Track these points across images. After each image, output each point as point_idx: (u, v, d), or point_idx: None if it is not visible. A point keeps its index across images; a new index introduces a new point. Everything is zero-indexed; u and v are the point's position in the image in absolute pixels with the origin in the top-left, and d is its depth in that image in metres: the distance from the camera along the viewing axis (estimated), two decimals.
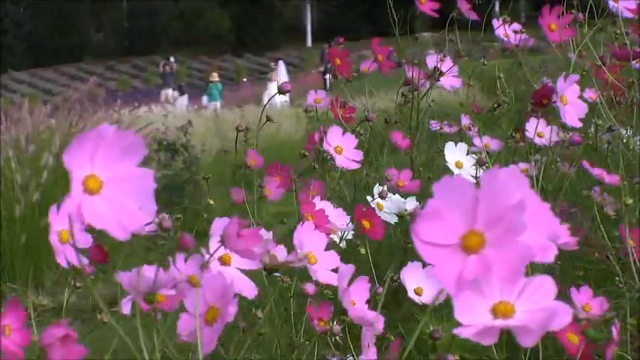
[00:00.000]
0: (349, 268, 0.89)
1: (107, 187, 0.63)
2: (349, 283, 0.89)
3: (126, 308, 0.87)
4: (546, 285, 0.61)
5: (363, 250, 1.38)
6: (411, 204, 1.58)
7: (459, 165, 1.63)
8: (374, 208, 1.47)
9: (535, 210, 0.59)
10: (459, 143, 1.66)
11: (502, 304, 0.59)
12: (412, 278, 1.12)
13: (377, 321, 0.87)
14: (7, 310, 0.83)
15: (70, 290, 1.06)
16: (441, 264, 0.56)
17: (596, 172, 1.39)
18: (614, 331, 0.88)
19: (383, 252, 1.61)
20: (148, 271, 0.78)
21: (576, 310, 1.04)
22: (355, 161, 1.46)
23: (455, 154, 1.64)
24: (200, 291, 0.79)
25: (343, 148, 1.45)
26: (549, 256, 0.60)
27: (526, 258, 0.56)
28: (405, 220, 1.59)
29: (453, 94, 2.53)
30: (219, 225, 0.87)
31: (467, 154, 1.65)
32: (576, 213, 1.51)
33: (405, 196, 1.60)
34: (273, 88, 14.36)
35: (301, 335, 1.19)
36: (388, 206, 1.56)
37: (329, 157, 1.46)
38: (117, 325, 0.85)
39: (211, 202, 1.49)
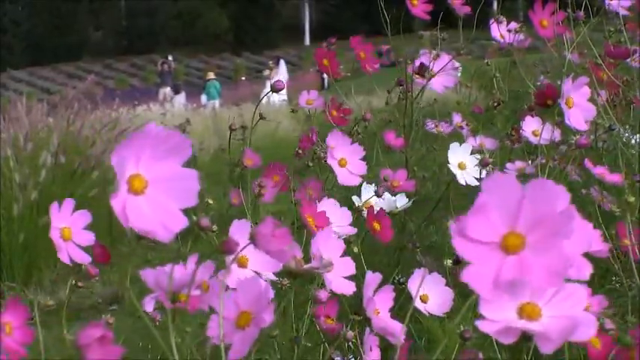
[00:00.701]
0: (375, 277, 0.88)
1: (151, 187, 0.63)
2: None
3: (149, 306, 0.86)
4: (579, 294, 0.61)
5: (355, 249, 1.36)
6: (401, 201, 1.57)
7: (462, 166, 1.60)
8: (372, 208, 1.45)
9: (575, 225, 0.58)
10: (464, 143, 1.62)
11: (530, 305, 0.59)
12: (418, 285, 1.10)
13: (399, 331, 0.87)
14: (8, 308, 0.83)
15: (71, 289, 1.06)
16: (478, 262, 0.56)
17: (598, 171, 1.38)
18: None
19: (380, 252, 1.60)
20: (176, 271, 0.78)
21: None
22: (357, 175, 1.39)
23: (458, 154, 1.60)
24: (232, 295, 0.78)
25: (348, 161, 1.38)
26: (585, 274, 0.60)
27: (566, 265, 0.55)
28: (400, 220, 1.58)
29: (455, 93, 2.53)
30: (237, 228, 0.87)
31: (470, 154, 1.61)
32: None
33: (395, 195, 1.58)
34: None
35: (302, 333, 1.19)
36: (379, 205, 1.54)
37: (328, 167, 1.39)
38: (118, 324, 0.85)
39: (210, 201, 1.48)
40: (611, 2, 1.67)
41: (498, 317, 0.58)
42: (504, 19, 1.78)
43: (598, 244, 0.98)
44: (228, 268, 0.79)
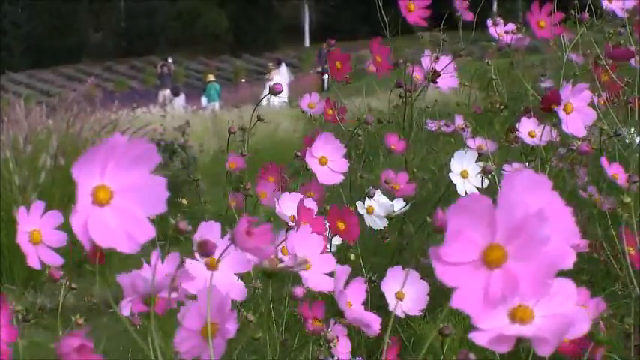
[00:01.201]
0: (345, 270, 0.89)
1: (118, 198, 0.62)
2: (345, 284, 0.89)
3: (125, 310, 0.86)
4: (567, 289, 0.60)
5: (353, 256, 1.34)
6: (398, 205, 1.56)
7: (464, 175, 1.56)
8: (353, 210, 1.42)
9: (556, 213, 0.57)
10: (469, 151, 1.59)
11: (521, 307, 0.58)
12: (394, 283, 1.07)
13: (373, 322, 0.87)
14: None
15: (65, 291, 1.06)
16: (463, 283, 0.55)
17: (612, 171, 1.35)
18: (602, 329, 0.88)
19: (379, 254, 1.60)
20: (148, 273, 0.78)
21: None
22: (339, 173, 1.34)
23: (462, 163, 1.57)
24: (195, 305, 0.77)
25: (329, 159, 1.33)
26: (568, 263, 0.58)
27: (552, 269, 0.54)
28: (399, 222, 1.58)
29: (455, 94, 2.53)
30: (204, 229, 0.87)
31: (475, 162, 1.57)
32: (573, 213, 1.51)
33: (393, 198, 1.57)
34: None
35: (281, 333, 1.19)
36: (377, 210, 1.52)
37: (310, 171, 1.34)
38: (112, 326, 0.86)
39: (184, 202, 1.48)
40: (609, 4, 1.67)
41: (491, 325, 0.56)
42: (501, 20, 1.78)
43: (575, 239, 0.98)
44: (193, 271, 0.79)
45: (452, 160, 1.58)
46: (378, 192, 1.54)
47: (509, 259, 0.55)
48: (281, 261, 0.85)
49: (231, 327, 0.75)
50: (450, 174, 1.57)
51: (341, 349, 0.95)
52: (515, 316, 0.58)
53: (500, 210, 0.54)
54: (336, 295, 0.87)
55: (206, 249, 0.72)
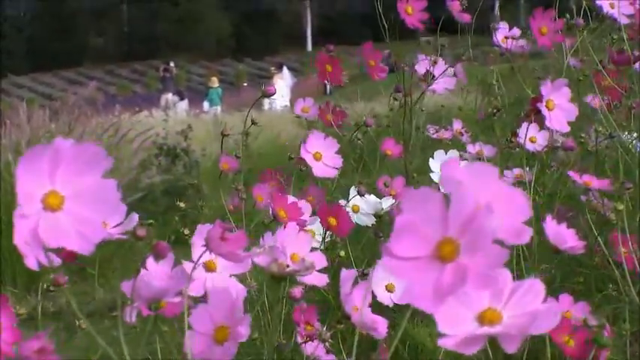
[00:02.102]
0: (351, 273, 0.89)
1: (69, 202, 0.63)
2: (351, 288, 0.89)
3: (132, 315, 0.86)
4: (535, 288, 0.59)
5: (342, 253, 1.37)
6: (387, 203, 1.56)
7: None
8: (347, 210, 1.43)
9: (506, 195, 0.57)
10: (450, 150, 1.61)
11: (489, 310, 0.57)
12: (383, 276, 1.08)
13: (380, 325, 0.87)
14: None
15: (42, 295, 1.06)
16: (415, 278, 0.54)
17: (584, 179, 1.36)
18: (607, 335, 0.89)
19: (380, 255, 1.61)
20: (151, 278, 0.78)
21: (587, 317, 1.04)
22: (334, 168, 1.39)
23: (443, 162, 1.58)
24: (205, 308, 0.78)
25: (323, 154, 1.38)
26: (524, 239, 0.57)
27: (499, 260, 0.53)
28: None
29: (460, 99, 2.53)
30: (202, 231, 0.87)
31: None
32: (573, 217, 1.51)
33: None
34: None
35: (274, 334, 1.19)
36: (364, 208, 1.54)
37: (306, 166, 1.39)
38: (114, 331, 0.86)
39: (182, 204, 1.49)
40: (610, 9, 1.67)
41: (459, 330, 0.56)
42: (505, 25, 1.78)
43: (572, 241, 0.99)
44: (192, 275, 0.79)
45: (430, 159, 1.59)
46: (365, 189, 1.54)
47: (461, 252, 0.54)
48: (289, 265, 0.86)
49: (243, 330, 0.75)
50: (431, 174, 1.58)
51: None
52: (484, 319, 0.57)
53: (451, 203, 0.54)
54: (343, 299, 0.86)
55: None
